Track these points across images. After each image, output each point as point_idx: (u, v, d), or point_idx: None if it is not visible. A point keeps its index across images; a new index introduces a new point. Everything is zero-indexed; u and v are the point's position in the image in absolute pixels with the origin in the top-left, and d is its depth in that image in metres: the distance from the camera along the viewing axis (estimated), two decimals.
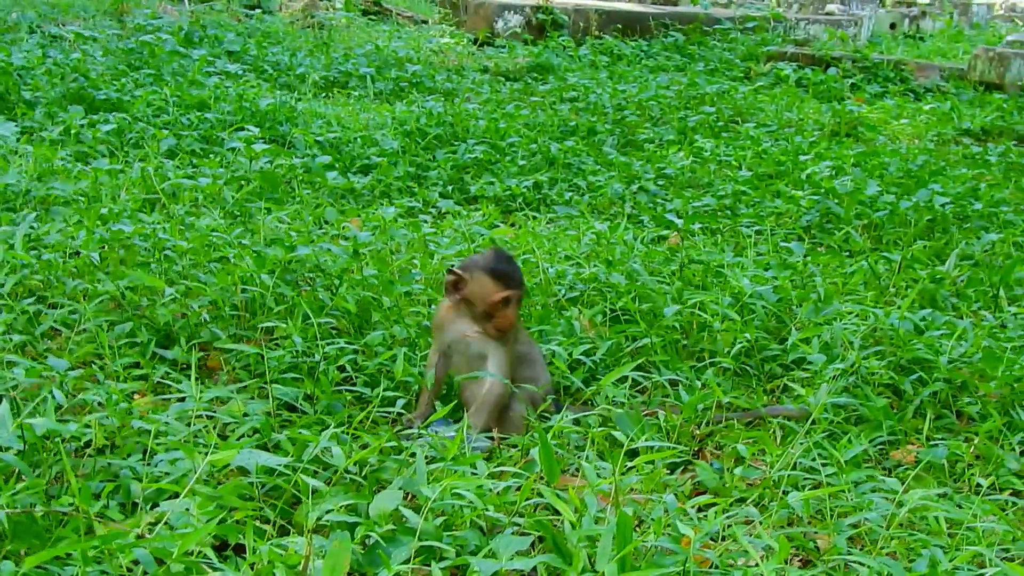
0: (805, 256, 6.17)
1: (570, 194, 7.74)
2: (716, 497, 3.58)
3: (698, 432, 4.29)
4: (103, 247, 5.36)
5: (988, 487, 3.90)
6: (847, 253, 6.65)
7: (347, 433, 3.72)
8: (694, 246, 6.34)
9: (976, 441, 4.24)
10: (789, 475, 3.72)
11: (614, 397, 4.35)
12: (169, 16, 13.65)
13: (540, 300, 5.29)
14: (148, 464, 3.42)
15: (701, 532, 3.08)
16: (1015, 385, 4.58)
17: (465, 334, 4.28)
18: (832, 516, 3.46)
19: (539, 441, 3.38)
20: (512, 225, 6.92)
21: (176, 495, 3.04)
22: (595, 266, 5.67)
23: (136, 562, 2.74)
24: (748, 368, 4.90)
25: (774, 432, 4.27)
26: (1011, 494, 3.95)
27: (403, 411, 4.15)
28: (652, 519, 3.11)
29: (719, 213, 7.35)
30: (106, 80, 9.44)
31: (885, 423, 4.30)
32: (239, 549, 3.05)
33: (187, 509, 2.96)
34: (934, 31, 20.48)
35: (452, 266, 4.33)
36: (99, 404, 3.79)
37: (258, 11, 15.25)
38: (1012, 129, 11.13)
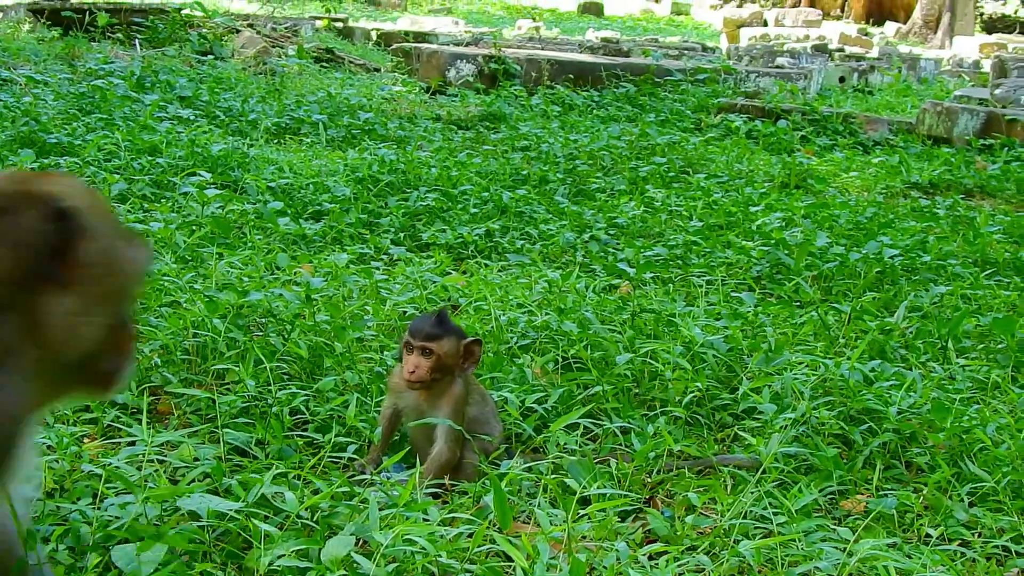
0: (756, 306, 6.21)
1: (522, 242, 7.75)
2: (667, 545, 3.59)
3: (649, 480, 4.30)
4: None
5: (937, 537, 3.94)
6: (797, 304, 6.69)
7: (299, 478, 3.71)
8: (645, 295, 6.36)
9: (925, 491, 4.27)
10: (740, 524, 3.73)
11: (566, 444, 4.36)
12: (121, 61, 13.63)
13: (492, 347, 5.29)
14: (98, 508, 3.39)
15: None
16: (963, 436, 4.62)
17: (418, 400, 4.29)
18: (783, 565, 3.47)
19: (492, 487, 3.38)
20: (464, 273, 6.92)
21: (126, 540, 3.02)
22: (547, 314, 5.68)
23: None
24: (699, 417, 4.92)
25: (725, 481, 4.29)
26: (960, 544, 3.97)
27: (355, 456, 4.14)
28: (604, 567, 3.11)
29: (670, 263, 7.39)
30: (57, 124, 9.41)
31: (835, 473, 4.33)
32: None
33: (136, 555, 2.93)
34: (882, 85, 20.71)
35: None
36: (48, 447, 3.76)
37: (210, 57, 15.25)
38: (959, 183, 11.25)
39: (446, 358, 4.21)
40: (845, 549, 3.47)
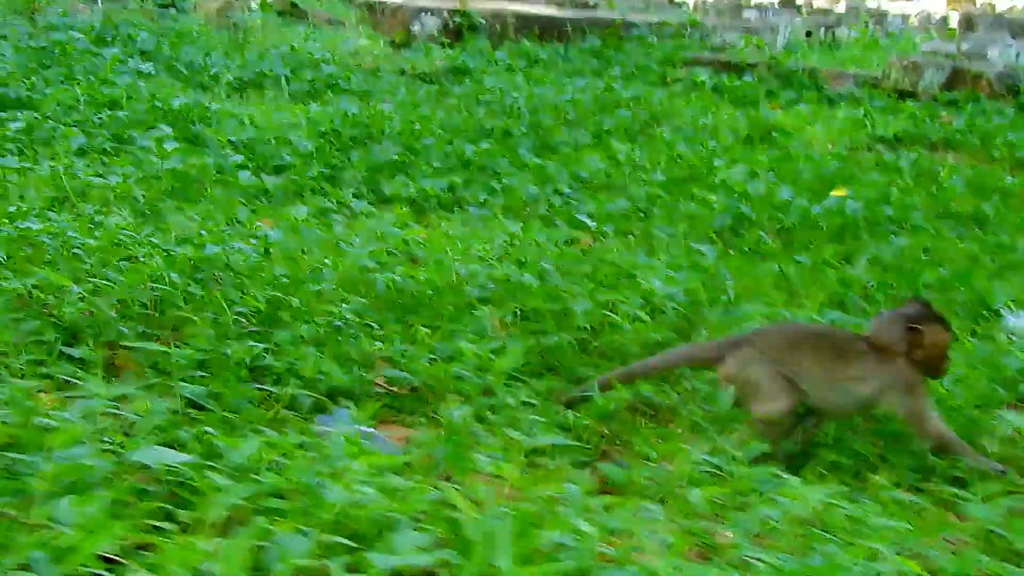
0: (716, 258, 6.22)
1: (484, 196, 7.74)
2: (620, 495, 3.60)
3: (605, 431, 4.30)
4: (10, 244, 5.28)
5: (892, 486, 3.95)
6: (758, 256, 6.71)
7: (253, 430, 3.70)
8: (607, 248, 6.36)
9: (880, 442, 4.30)
10: (694, 473, 3.74)
11: (521, 398, 4.36)
12: (81, 14, 13.51)
13: (451, 300, 5.28)
14: (49, 460, 3.37)
15: (602, 528, 3.09)
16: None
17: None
18: (732, 512, 3.49)
19: (445, 438, 3.38)
20: (426, 226, 6.90)
21: (77, 492, 3.01)
22: (507, 267, 5.68)
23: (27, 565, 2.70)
24: None
25: (682, 431, 4.30)
26: (912, 491, 3.99)
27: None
28: (553, 515, 3.11)
29: (632, 216, 7.39)
30: (16, 78, 9.33)
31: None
32: (142, 547, 3.02)
33: (85, 507, 2.92)
34: (849, 40, 20.69)
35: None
36: (2, 402, 3.73)
37: (172, 10, 15.13)
38: (924, 136, 11.27)
39: None
40: (797, 498, 3.48)
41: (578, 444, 4.00)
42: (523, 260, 5.82)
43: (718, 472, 3.79)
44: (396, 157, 8.26)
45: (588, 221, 6.90)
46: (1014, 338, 5.57)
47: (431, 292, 5.25)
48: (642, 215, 7.46)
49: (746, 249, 6.81)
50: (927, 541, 3.37)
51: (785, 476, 3.82)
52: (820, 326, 4.83)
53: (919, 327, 4.13)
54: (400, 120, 9.30)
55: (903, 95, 13.40)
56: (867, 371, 4.17)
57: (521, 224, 6.72)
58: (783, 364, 4.19)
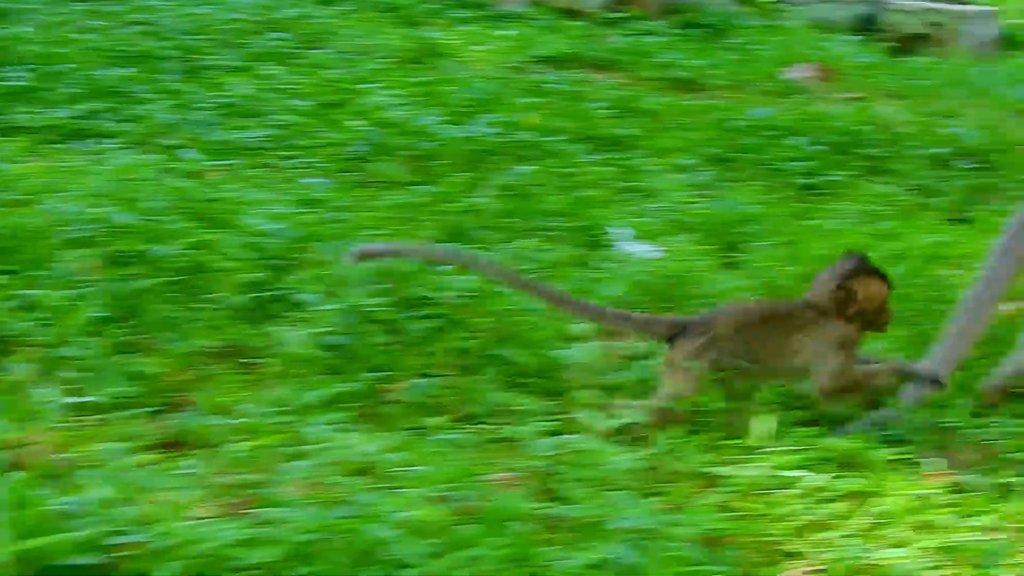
0: (337, 190, 6.17)
1: (121, 124, 7.45)
2: (182, 448, 3.56)
3: (181, 378, 4.23)
4: None
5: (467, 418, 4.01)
6: (385, 185, 6.67)
7: None
8: (226, 180, 6.24)
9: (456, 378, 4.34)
10: (257, 420, 3.72)
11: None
12: None
13: (40, 244, 5.08)
14: None
15: (133, 488, 3.05)
16: (505, 319, 4.69)
17: None
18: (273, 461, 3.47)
19: None
20: (45, 160, 6.62)
21: None
22: (109, 204, 5.49)
23: None
24: (253, 309, 4.84)
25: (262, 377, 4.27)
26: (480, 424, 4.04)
27: None
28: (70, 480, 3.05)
29: (268, 145, 7.25)
30: None
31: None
32: None
33: None
34: None
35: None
36: None
37: None
38: (586, 56, 11.34)
39: None
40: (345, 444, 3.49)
41: (143, 395, 3.93)
42: (134, 197, 5.64)
43: (284, 423, 3.78)
44: (28, 84, 7.91)
45: (221, 150, 6.75)
46: (622, 262, 5.69)
47: (18, 235, 5.05)
48: (281, 143, 7.33)
49: (372, 180, 6.76)
50: (468, 483, 3.41)
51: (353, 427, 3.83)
52: (767, 303, 4.73)
53: (848, 285, 4.12)
54: (40, 42, 8.90)
55: (570, 13, 13.50)
56: (810, 336, 4.16)
57: (143, 157, 6.52)
58: (735, 353, 4.14)
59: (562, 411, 4.15)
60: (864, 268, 4.18)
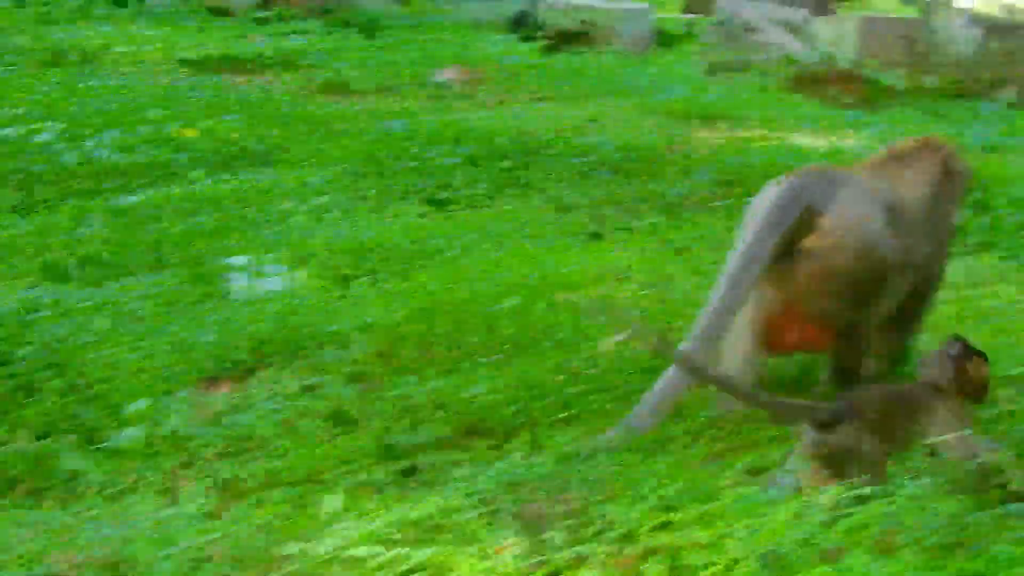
0: None
1: None
2: None
3: None
4: None
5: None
6: None
7: None
8: None
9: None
10: None
11: None
12: None
13: None
14: None
15: None
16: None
17: None
18: None
19: None
20: None
21: None
22: None
23: None
24: None
25: None
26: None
27: None
28: None
29: None
30: None
31: None
32: None
33: None
34: None
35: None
36: None
37: None
38: (235, 58, 10.91)
39: None
40: None
41: None
42: None
43: None
44: None
45: None
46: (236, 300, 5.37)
47: None
48: None
49: None
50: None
51: None
52: (894, 387, 4.74)
53: (966, 367, 4.41)
54: None
55: (220, 12, 13.05)
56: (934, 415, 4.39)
57: None
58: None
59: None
60: (974, 351, 4.48)
